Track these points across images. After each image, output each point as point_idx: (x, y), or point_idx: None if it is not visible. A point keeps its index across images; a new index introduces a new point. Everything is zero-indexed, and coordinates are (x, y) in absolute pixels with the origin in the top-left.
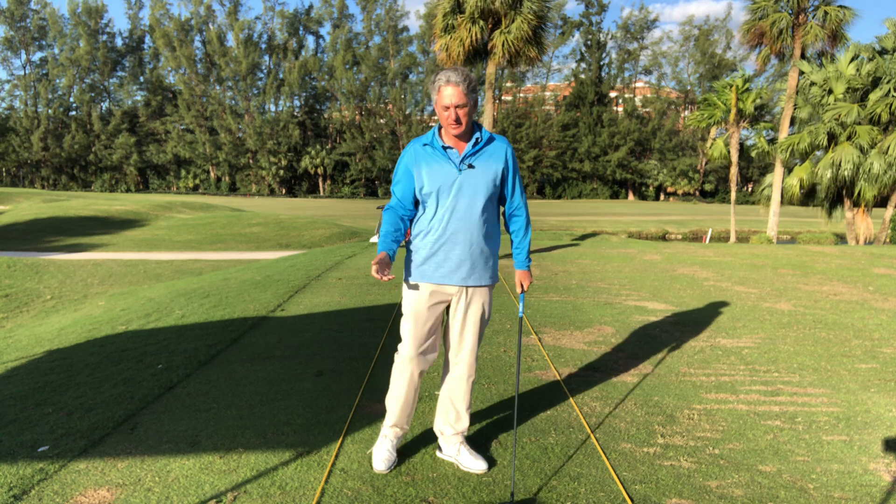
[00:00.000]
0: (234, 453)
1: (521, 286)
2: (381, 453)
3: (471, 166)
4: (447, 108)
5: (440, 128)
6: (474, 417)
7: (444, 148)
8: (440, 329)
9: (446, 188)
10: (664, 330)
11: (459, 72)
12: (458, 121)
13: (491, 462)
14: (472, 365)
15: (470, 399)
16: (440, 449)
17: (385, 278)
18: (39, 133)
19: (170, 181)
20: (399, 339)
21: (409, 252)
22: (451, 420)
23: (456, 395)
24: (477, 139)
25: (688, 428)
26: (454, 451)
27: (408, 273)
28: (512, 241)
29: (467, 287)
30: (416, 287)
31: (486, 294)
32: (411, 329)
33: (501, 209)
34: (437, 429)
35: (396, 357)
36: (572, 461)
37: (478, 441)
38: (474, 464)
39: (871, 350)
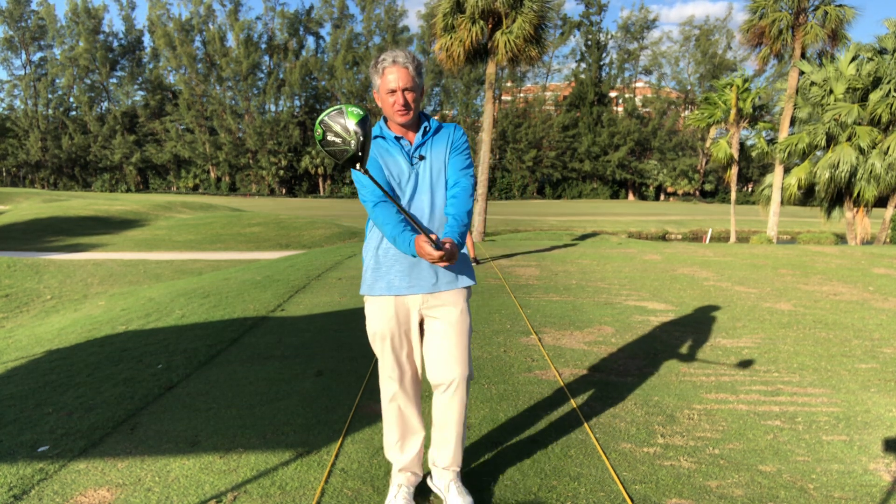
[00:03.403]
0: (234, 453)
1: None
2: None
3: (422, 157)
4: (393, 91)
5: (385, 121)
6: (474, 416)
7: (396, 138)
8: (420, 348)
9: (402, 184)
10: (664, 330)
11: (406, 52)
12: (406, 106)
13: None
14: (464, 384)
15: (463, 428)
16: (431, 476)
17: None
18: (39, 133)
19: (170, 181)
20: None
21: (369, 260)
22: (444, 454)
23: (446, 423)
24: (426, 128)
25: (688, 428)
26: (444, 485)
27: (371, 286)
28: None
29: (440, 293)
30: (382, 302)
31: (463, 297)
32: (387, 354)
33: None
34: (431, 457)
35: (381, 389)
36: (572, 461)
37: (477, 444)
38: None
39: (871, 350)
